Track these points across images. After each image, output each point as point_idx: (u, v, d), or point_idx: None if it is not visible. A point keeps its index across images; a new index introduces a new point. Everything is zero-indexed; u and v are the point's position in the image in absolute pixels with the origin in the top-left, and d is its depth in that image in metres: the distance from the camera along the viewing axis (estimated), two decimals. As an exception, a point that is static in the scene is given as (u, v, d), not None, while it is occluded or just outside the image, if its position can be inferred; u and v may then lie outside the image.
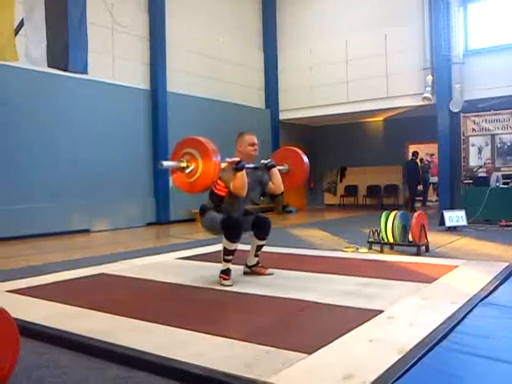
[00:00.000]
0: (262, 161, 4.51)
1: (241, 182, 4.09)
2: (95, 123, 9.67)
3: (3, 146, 8.20)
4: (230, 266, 4.32)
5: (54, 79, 8.51)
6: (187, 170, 3.84)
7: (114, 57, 10.19)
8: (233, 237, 4.20)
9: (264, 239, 4.57)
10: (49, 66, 6.94)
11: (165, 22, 11.05)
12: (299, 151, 4.91)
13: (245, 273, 4.65)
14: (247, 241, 4.66)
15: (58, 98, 9.06)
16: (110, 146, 9.91)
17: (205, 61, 12.17)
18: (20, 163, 8.42)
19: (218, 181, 4.13)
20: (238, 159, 4.13)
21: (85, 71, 7.36)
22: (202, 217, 4.38)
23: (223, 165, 3.97)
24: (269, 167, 4.47)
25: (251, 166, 4.34)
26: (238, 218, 4.25)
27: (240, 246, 4.41)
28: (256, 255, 4.62)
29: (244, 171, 4.11)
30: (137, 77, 10.65)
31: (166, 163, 3.92)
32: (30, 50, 6.69)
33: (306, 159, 4.84)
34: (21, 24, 6.74)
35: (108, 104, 9.93)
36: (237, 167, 4.06)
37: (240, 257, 4.58)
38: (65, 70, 7.19)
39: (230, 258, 4.29)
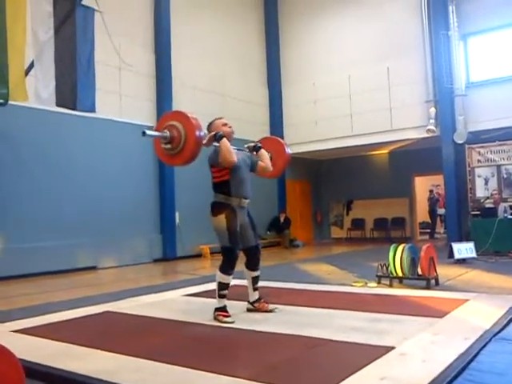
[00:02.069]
0: (248, 144, 4.67)
1: (226, 150, 4.13)
2: (102, 160, 9.78)
3: (8, 184, 8.25)
4: (226, 302, 4.27)
5: (61, 117, 8.62)
6: (167, 146, 3.89)
7: (122, 95, 10.38)
8: (228, 268, 4.19)
9: (255, 270, 4.52)
10: (57, 105, 7.10)
11: (171, 60, 11.30)
12: (282, 141, 5.23)
13: (248, 310, 4.57)
14: (242, 276, 4.63)
15: (64, 136, 9.17)
16: (117, 183, 9.98)
17: (210, 97, 12.35)
18: (24, 201, 8.45)
19: (212, 169, 4.26)
20: (213, 132, 4.22)
21: (93, 110, 7.50)
22: (212, 216, 4.27)
23: (204, 141, 4.05)
24: (257, 149, 4.62)
25: (236, 148, 4.40)
26: (237, 254, 4.23)
27: (237, 282, 4.37)
28: (255, 289, 4.55)
29: (225, 140, 4.17)
30: (144, 114, 10.80)
31: (148, 132, 3.94)
32: (40, 91, 6.85)
33: (288, 150, 5.11)
34: (31, 65, 6.93)
35: (115, 141, 10.05)
36: (216, 137, 4.16)
37: (242, 293, 4.55)
38: (73, 109, 7.34)
39: (225, 292, 4.24)
